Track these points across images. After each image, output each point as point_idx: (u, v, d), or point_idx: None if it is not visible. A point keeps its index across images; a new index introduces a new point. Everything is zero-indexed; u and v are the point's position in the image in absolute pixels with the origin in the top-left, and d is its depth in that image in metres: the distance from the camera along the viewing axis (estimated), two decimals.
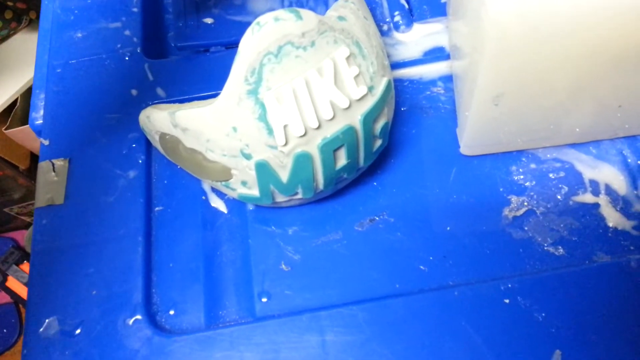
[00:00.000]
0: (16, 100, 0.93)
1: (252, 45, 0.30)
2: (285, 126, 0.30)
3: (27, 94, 0.94)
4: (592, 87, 0.31)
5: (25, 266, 1.04)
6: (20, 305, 1.08)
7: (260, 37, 0.29)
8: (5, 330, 1.07)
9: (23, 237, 1.11)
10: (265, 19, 0.29)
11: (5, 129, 0.94)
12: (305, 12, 0.30)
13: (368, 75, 0.32)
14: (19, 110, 0.95)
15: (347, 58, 0.31)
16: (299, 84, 0.30)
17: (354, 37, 0.32)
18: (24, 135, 0.96)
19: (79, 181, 0.38)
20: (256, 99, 0.30)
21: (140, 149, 0.39)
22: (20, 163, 1.03)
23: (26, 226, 1.12)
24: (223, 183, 0.35)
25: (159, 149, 0.37)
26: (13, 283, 1.02)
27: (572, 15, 0.27)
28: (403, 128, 0.38)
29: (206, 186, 0.38)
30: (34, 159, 1.06)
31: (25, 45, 0.94)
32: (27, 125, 0.93)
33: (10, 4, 0.88)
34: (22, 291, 1.02)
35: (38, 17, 0.92)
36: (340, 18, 0.33)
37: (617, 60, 0.29)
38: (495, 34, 0.27)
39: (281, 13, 0.30)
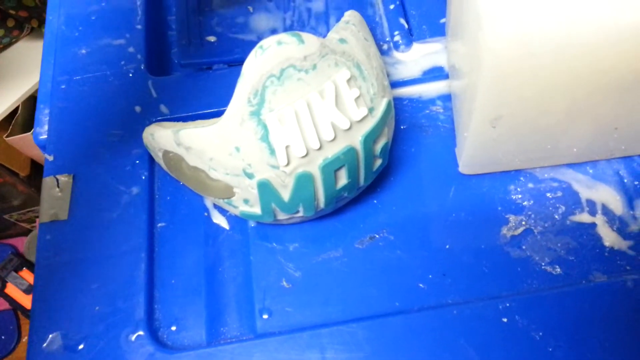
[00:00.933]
0: (17, 107, 0.93)
1: (255, 67, 0.30)
2: (287, 147, 0.31)
3: (28, 101, 0.94)
4: (589, 110, 0.32)
5: (25, 273, 1.04)
6: (19, 312, 1.08)
7: (263, 60, 0.30)
8: (3, 337, 1.07)
9: (22, 243, 1.11)
10: (269, 42, 0.30)
11: (6, 137, 0.94)
12: (307, 36, 0.31)
13: (368, 97, 0.33)
14: (20, 118, 0.95)
15: (348, 80, 0.32)
16: (301, 106, 0.30)
17: (354, 59, 0.33)
18: (25, 143, 0.97)
19: (82, 197, 0.38)
20: (259, 120, 0.31)
21: (144, 165, 0.39)
22: (20, 170, 1.04)
23: (25, 233, 1.13)
24: (225, 200, 0.35)
25: (162, 166, 0.38)
26: (12, 290, 1.03)
27: (568, 41, 0.27)
28: (403, 146, 0.39)
29: (208, 203, 0.39)
30: (34, 166, 1.06)
31: (27, 53, 0.94)
32: (28, 133, 0.94)
33: (12, 12, 0.89)
34: (21, 298, 1.02)
35: (40, 25, 0.93)
36: (342, 40, 0.34)
37: (612, 84, 0.30)
38: (492, 59, 0.28)
39: (284, 37, 0.30)
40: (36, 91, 0.91)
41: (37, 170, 1.06)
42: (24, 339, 1.08)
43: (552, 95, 0.30)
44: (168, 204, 0.39)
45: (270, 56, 0.30)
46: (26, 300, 1.02)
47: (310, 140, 0.31)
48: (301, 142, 0.31)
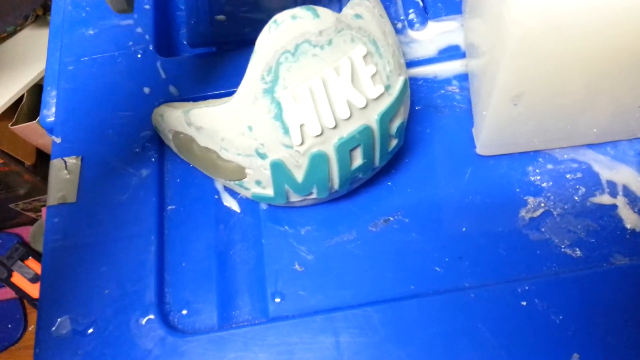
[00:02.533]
0: (22, 96, 0.92)
1: (269, 43, 0.29)
2: (301, 125, 0.30)
3: (34, 90, 0.94)
4: (611, 87, 0.31)
5: (31, 262, 1.04)
6: (25, 301, 1.08)
7: (277, 36, 0.29)
8: (10, 326, 1.08)
9: (28, 233, 1.11)
10: (283, 17, 0.29)
11: (12, 125, 0.94)
12: (322, 10, 0.30)
13: (385, 74, 0.32)
14: (25, 106, 0.95)
15: (364, 57, 0.31)
16: (316, 83, 0.30)
17: (370, 35, 0.32)
18: (30, 131, 0.96)
19: (91, 179, 0.38)
20: (272, 98, 0.30)
21: (153, 147, 0.38)
22: (26, 159, 1.03)
23: (31, 222, 1.13)
24: (237, 182, 0.34)
25: (172, 148, 0.37)
26: (18, 279, 1.03)
27: (593, 14, 0.26)
28: (418, 127, 0.38)
29: (219, 185, 0.38)
30: (40, 155, 1.06)
31: (32, 41, 0.93)
32: (34, 122, 0.93)
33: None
34: (27, 287, 1.03)
35: (45, 13, 0.92)
36: (357, 16, 0.33)
37: (635, 60, 0.29)
38: (517, 33, 0.27)
39: (298, 11, 0.29)
40: (42, 79, 0.90)
41: (42, 159, 1.06)
42: (30, 328, 1.09)
43: (574, 70, 0.29)
44: (178, 186, 0.38)
45: (284, 31, 0.29)
46: (32, 289, 1.03)
47: (326, 119, 0.30)
48: (316, 121, 0.30)
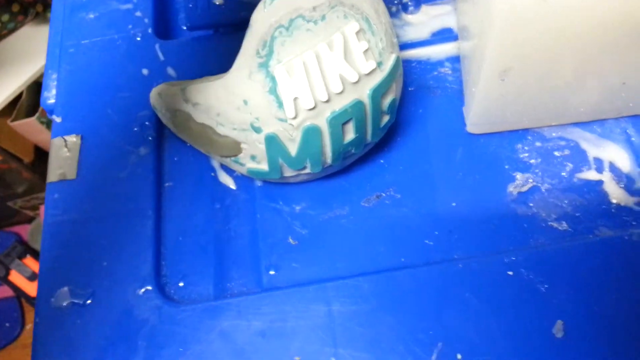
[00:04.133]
0: (21, 93, 0.93)
1: (263, 18, 0.30)
2: (295, 99, 0.31)
3: (33, 87, 0.95)
4: (597, 64, 0.32)
5: (29, 260, 1.04)
6: (23, 300, 1.08)
7: (272, 10, 0.30)
8: (7, 324, 1.07)
9: (26, 231, 1.11)
10: None
11: (11, 121, 0.95)
12: None
13: (377, 51, 0.33)
14: (24, 103, 0.96)
15: (357, 33, 0.32)
16: (310, 57, 0.30)
17: (363, 13, 0.33)
18: (29, 128, 0.97)
19: (91, 157, 0.39)
20: (267, 72, 0.31)
21: (151, 126, 0.39)
22: (24, 156, 1.04)
23: (29, 220, 1.13)
24: (232, 159, 0.35)
25: (170, 127, 0.38)
26: (16, 277, 1.03)
27: None
28: (411, 107, 0.39)
29: (215, 163, 0.39)
30: (38, 152, 1.06)
31: (31, 38, 0.94)
32: (32, 118, 0.94)
33: None
34: (25, 285, 1.03)
35: (44, 9, 0.93)
36: None
37: (622, 36, 0.30)
38: (504, 8, 0.28)
39: None
40: (41, 76, 0.91)
41: (41, 156, 1.06)
42: (28, 327, 1.08)
43: (561, 46, 0.30)
44: (175, 164, 0.39)
45: (278, 6, 0.30)
46: (30, 288, 1.03)
47: (319, 93, 0.31)
48: (309, 95, 0.31)
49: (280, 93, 0.31)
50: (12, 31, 0.95)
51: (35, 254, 1.04)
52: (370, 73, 0.32)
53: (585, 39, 0.30)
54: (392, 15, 0.41)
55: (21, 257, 1.04)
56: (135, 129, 0.39)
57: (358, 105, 0.32)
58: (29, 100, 0.98)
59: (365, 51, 0.32)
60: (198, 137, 0.36)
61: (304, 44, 0.31)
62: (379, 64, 0.32)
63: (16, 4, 0.91)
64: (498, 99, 0.33)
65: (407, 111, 0.38)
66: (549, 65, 0.31)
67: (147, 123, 0.39)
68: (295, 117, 0.31)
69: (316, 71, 0.31)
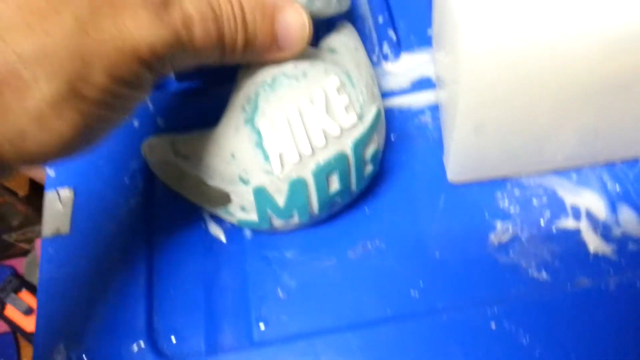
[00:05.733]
0: None
1: (248, 76, 0.32)
2: (280, 154, 0.32)
3: None
4: (570, 116, 0.32)
5: (24, 294, 1.01)
6: (19, 335, 1.05)
7: (256, 70, 0.32)
8: None
9: (22, 264, 1.09)
10: None
11: None
12: None
13: (358, 104, 0.34)
14: None
15: (338, 88, 0.33)
16: (293, 112, 0.32)
17: (344, 67, 0.34)
18: None
19: (83, 210, 0.40)
20: (252, 127, 0.32)
21: (142, 177, 0.40)
22: (19, 189, 1.04)
23: (24, 253, 1.11)
24: (222, 209, 0.36)
25: (161, 178, 0.39)
26: (11, 311, 1.00)
27: (547, 51, 0.28)
28: (394, 155, 0.40)
29: (206, 214, 0.40)
30: (33, 185, 1.06)
31: None
32: None
33: None
34: (21, 320, 1.00)
35: None
36: (331, 50, 0.35)
37: (591, 90, 0.31)
38: (470, 67, 0.29)
39: None
40: None
41: (36, 189, 1.05)
42: None
43: (532, 102, 0.31)
44: (166, 215, 0.40)
45: (263, 65, 0.31)
46: (25, 322, 1.00)
47: (302, 146, 0.32)
48: (294, 148, 0.32)
49: (266, 147, 0.32)
50: None
51: (31, 288, 1.02)
52: (352, 126, 0.33)
53: (555, 93, 0.31)
54: (373, 64, 0.42)
55: (17, 290, 1.02)
56: (126, 180, 0.40)
57: (341, 157, 0.33)
58: None
59: (347, 105, 0.33)
60: (189, 189, 0.37)
61: (287, 100, 0.32)
62: (360, 117, 0.34)
63: None
64: (474, 149, 0.34)
65: (390, 159, 0.39)
66: (522, 117, 0.32)
67: (137, 174, 0.40)
68: (281, 170, 0.32)
69: (299, 125, 0.32)
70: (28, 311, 0.99)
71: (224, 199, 0.35)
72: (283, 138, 0.32)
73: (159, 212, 0.40)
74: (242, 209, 0.35)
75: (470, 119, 0.32)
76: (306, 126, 0.32)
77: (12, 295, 1.01)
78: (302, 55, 0.32)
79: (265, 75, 0.32)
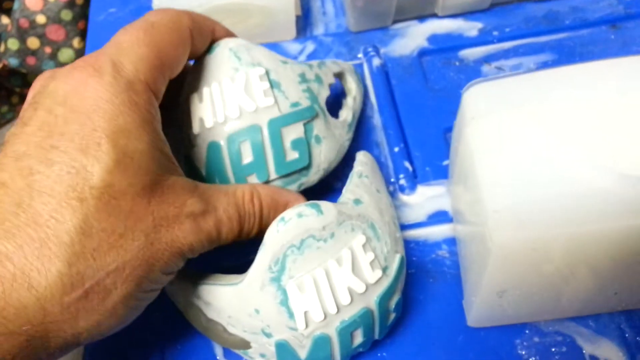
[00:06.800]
0: None
1: (277, 238, 0.32)
2: (305, 312, 0.32)
3: None
4: (590, 282, 0.33)
5: None
6: None
7: (284, 232, 0.32)
8: None
9: None
10: (290, 214, 0.32)
11: None
12: (325, 206, 0.33)
13: (383, 257, 0.34)
14: None
15: (364, 245, 0.33)
16: (320, 274, 0.32)
17: (369, 220, 0.34)
18: None
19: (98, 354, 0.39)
20: (279, 286, 0.32)
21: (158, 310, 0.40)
22: None
23: None
24: (241, 351, 0.36)
25: (186, 317, 0.38)
26: None
27: (572, 238, 0.29)
28: (411, 293, 0.39)
29: (218, 350, 0.39)
30: None
31: None
32: None
33: (17, 90, 0.91)
34: None
35: None
36: (356, 202, 0.36)
37: (613, 267, 0.31)
38: (498, 255, 0.30)
39: (304, 209, 0.32)
40: None
41: None
42: None
43: (554, 275, 0.32)
44: (178, 352, 0.39)
45: (291, 228, 0.32)
46: None
47: (328, 306, 0.32)
48: (319, 308, 0.32)
49: (292, 306, 0.32)
50: (10, 120, 0.96)
51: None
52: (377, 281, 0.33)
53: (577, 268, 0.32)
54: (390, 194, 0.43)
55: None
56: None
57: (366, 313, 0.33)
58: None
59: (372, 261, 0.33)
60: (207, 331, 0.37)
61: (314, 262, 0.32)
62: (385, 269, 0.34)
63: (15, 96, 0.93)
64: (496, 307, 0.35)
65: (408, 297, 0.39)
66: (544, 284, 0.33)
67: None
68: (305, 328, 0.32)
69: (326, 286, 0.32)
70: None
71: (243, 345, 0.35)
72: (309, 299, 0.32)
73: (171, 348, 0.40)
74: (262, 356, 0.35)
75: (494, 289, 0.33)
76: (332, 286, 0.32)
77: None
78: (329, 216, 0.32)
79: (294, 237, 0.32)
